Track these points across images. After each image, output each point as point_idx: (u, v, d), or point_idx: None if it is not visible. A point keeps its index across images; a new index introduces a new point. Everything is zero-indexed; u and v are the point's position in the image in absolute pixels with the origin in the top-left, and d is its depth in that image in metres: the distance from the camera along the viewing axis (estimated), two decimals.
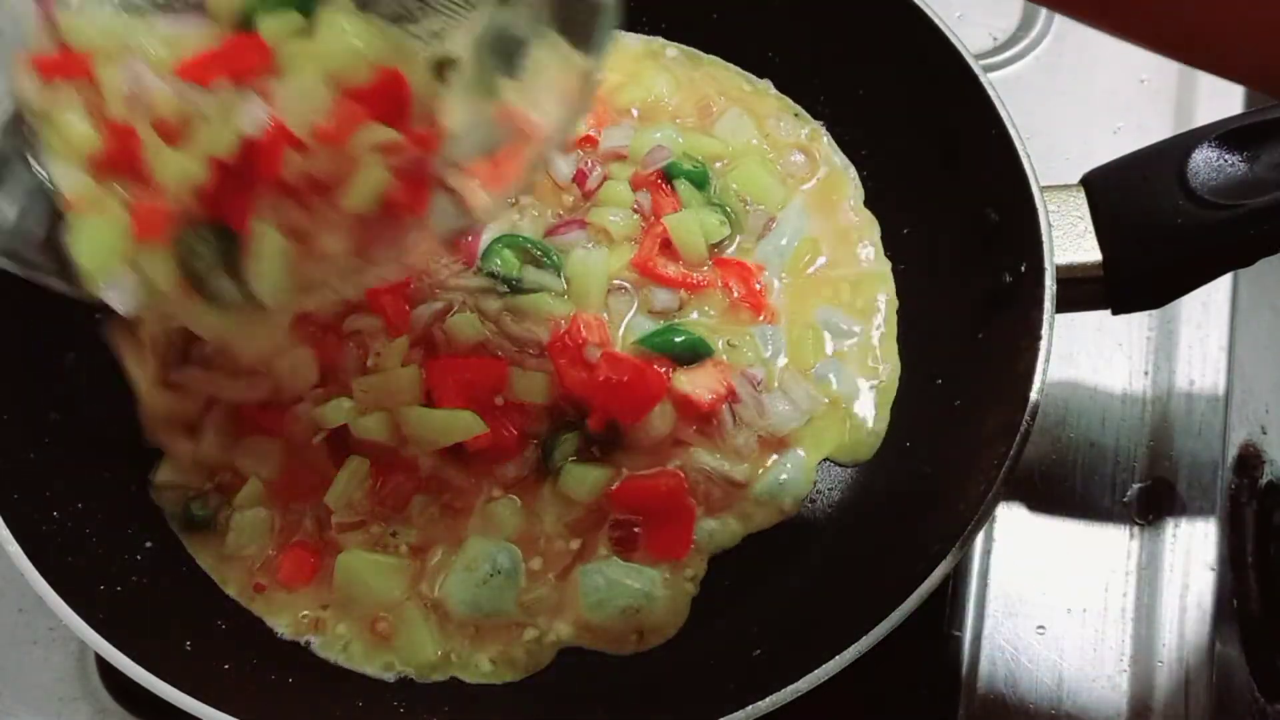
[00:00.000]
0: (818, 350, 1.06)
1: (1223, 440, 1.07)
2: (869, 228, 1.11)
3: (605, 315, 1.04)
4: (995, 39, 1.30)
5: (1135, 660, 0.98)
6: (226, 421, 1.00)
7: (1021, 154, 0.94)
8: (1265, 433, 1.10)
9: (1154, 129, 1.20)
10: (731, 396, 1.01)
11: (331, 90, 0.76)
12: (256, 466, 0.99)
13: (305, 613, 0.96)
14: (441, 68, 0.80)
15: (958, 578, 1.00)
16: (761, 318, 1.06)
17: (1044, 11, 1.29)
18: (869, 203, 1.12)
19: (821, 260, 1.10)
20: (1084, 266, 0.92)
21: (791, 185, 1.13)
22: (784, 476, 1.01)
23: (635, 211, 1.08)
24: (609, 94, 1.15)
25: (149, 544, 0.98)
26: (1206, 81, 1.24)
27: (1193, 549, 1.02)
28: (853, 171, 1.13)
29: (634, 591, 0.96)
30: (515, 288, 1.05)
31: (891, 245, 1.10)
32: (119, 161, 0.77)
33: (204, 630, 0.94)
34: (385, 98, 0.77)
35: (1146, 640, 0.98)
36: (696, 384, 1.02)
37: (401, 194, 0.78)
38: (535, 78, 0.80)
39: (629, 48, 1.18)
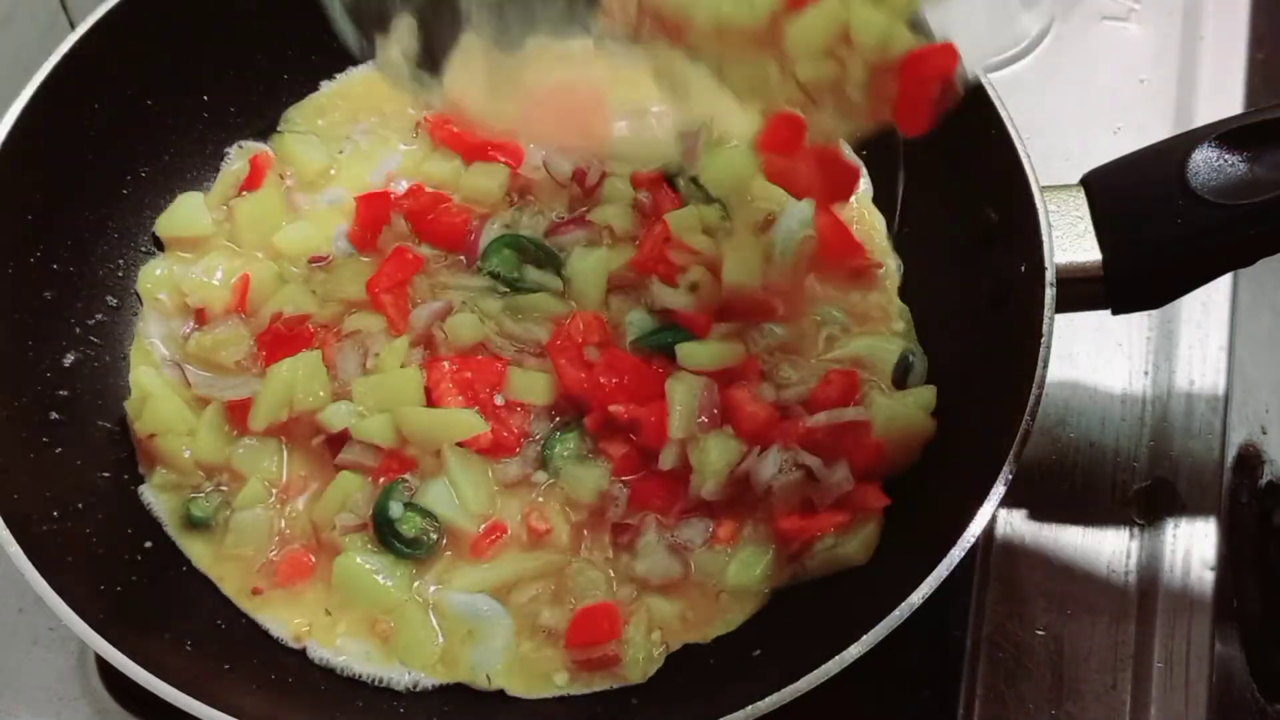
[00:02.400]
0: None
1: (1223, 440, 1.06)
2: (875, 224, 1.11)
3: (605, 314, 1.04)
4: None
5: (1135, 660, 0.98)
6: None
7: (1021, 154, 0.94)
8: (1265, 433, 1.10)
9: (1154, 129, 1.20)
10: None
11: None
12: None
13: (305, 613, 0.96)
14: None
15: (958, 578, 1.00)
16: None
17: (1044, 12, 1.29)
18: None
19: None
20: (1084, 266, 0.91)
21: None
22: None
23: (635, 209, 1.08)
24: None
25: (148, 544, 0.98)
26: (1206, 81, 1.25)
27: (1193, 549, 1.02)
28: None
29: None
30: (515, 287, 1.05)
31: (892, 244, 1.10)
32: None
33: (204, 630, 0.94)
34: None
35: (1146, 640, 0.98)
36: None
37: None
38: None
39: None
